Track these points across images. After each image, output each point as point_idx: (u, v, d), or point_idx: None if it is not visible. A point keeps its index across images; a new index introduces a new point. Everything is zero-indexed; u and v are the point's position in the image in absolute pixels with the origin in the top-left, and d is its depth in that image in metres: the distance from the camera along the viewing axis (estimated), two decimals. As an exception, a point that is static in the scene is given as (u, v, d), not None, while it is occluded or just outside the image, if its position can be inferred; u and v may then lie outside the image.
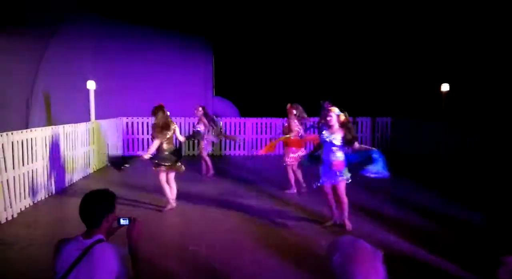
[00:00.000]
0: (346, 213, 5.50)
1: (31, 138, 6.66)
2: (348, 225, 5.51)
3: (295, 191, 7.59)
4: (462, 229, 5.55)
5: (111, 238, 2.29)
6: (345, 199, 5.41)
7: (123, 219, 2.34)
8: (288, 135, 7.36)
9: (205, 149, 9.13)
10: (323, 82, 16.64)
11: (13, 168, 6.07)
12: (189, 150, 12.24)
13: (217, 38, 15.82)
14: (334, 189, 5.40)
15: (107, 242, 2.19)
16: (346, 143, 5.27)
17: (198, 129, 8.81)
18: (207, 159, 9.18)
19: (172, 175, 6.31)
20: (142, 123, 12.28)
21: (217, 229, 5.50)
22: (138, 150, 12.19)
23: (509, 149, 8.48)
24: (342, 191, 5.36)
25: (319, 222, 5.77)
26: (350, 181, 5.35)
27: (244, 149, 12.75)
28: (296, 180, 7.64)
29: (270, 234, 5.35)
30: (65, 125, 8.19)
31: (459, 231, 5.48)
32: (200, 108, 8.97)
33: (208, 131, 9.03)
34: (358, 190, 7.74)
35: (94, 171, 9.54)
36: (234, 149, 12.73)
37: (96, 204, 2.21)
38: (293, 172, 7.57)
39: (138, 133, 12.28)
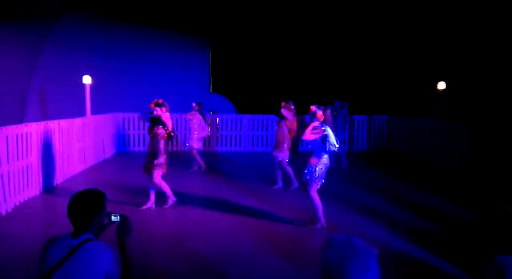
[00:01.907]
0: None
1: (26, 133, 6.62)
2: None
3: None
4: (456, 228, 5.58)
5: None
6: None
7: (114, 216, 2.29)
8: None
9: (195, 144, 9.16)
10: (319, 80, 16.63)
11: (8, 163, 6.04)
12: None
13: (214, 35, 15.77)
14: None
15: (97, 241, 2.15)
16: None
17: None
18: (197, 154, 9.23)
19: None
20: (138, 119, 12.23)
21: (214, 227, 5.50)
22: (134, 146, 12.18)
23: (506, 146, 8.52)
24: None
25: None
26: None
27: (240, 145, 12.74)
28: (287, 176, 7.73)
29: (266, 231, 5.35)
30: (61, 120, 8.14)
31: (453, 229, 5.51)
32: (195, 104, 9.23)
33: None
34: (353, 188, 7.78)
35: (90, 167, 9.50)
36: (230, 145, 12.72)
37: (85, 206, 2.13)
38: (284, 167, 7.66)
39: (134, 129, 12.25)
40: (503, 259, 1.61)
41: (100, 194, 2.24)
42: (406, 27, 14.11)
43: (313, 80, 16.82)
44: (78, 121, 9.00)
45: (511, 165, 8.23)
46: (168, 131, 6.09)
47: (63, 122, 8.19)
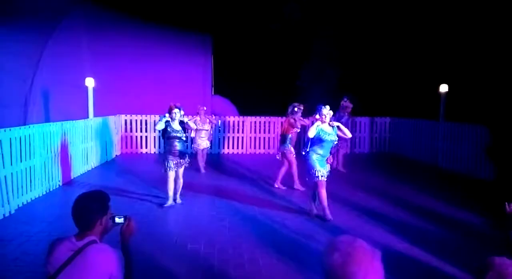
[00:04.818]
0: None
1: (30, 135, 6.65)
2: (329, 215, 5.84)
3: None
4: (459, 229, 5.56)
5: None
6: None
7: (118, 218, 2.30)
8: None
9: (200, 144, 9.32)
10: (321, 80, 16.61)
11: (11, 164, 6.07)
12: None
13: (216, 36, 15.78)
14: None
15: (102, 243, 2.16)
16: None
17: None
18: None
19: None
20: (141, 121, 12.26)
21: (216, 228, 5.51)
22: (136, 148, 12.21)
23: (507, 147, 8.49)
24: None
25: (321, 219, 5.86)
26: None
27: (242, 148, 12.75)
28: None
29: (269, 232, 5.35)
30: (64, 122, 8.18)
31: (456, 231, 5.50)
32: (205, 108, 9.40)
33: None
34: (355, 190, 7.78)
35: (93, 168, 9.53)
36: (232, 147, 12.72)
37: (89, 207, 2.15)
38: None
39: (136, 131, 12.27)
40: (501, 261, 1.61)
41: (103, 196, 2.25)
42: (408, 29, 14.11)
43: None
44: (81, 123, 9.04)
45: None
46: None
47: (66, 124, 8.23)
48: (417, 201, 7.04)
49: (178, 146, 6.41)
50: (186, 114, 11.71)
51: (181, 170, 6.58)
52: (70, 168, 8.30)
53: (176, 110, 6.40)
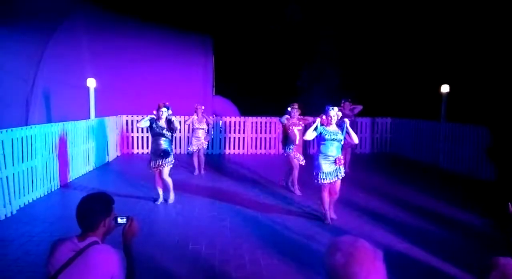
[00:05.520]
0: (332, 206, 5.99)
1: (31, 136, 6.67)
2: (334, 215, 5.91)
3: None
4: (460, 230, 5.56)
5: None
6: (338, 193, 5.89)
7: (121, 218, 2.31)
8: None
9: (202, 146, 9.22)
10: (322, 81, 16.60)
11: (13, 165, 6.08)
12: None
13: (217, 37, 15.79)
14: (332, 184, 5.76)
15: (103, 244, 2.17)
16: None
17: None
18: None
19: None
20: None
21: (217, 228, 5.51)
22: (137, 149, 12.22)
23: (508, 148, 8.49)
24: (339, 185, 5.81)
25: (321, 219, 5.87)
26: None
27: (243, 148, 12.75)
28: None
29: (270, 233, 5.36)
30: (65, 122, 8.19)
31: (457, 231, 5.50)
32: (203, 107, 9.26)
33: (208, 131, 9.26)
34: (356, 191, 7.78)
35: (94, 168, 9.54)
36: (233, 148, 12.73)
37: (93, 209, 2.17)
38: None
39: (137, 132, 12.27)
40: (505, 262, 1.61)
41: (108, 198, 2.27)
42: (409, 29, 14.11)
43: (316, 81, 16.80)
44: (82, 123, 9.05)
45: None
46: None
47: (68, 125, 8.24)
48: (418, 201, 7.04)
49: (163, 144, 6.46)
50: (185, 114, 11.82)
51: (165, 170, 6.48)
52: (72, 168, 8.31)
53: (164, 109, 6.49)
